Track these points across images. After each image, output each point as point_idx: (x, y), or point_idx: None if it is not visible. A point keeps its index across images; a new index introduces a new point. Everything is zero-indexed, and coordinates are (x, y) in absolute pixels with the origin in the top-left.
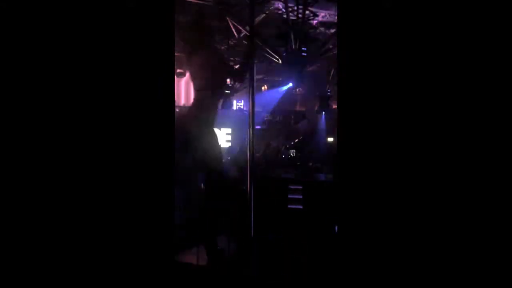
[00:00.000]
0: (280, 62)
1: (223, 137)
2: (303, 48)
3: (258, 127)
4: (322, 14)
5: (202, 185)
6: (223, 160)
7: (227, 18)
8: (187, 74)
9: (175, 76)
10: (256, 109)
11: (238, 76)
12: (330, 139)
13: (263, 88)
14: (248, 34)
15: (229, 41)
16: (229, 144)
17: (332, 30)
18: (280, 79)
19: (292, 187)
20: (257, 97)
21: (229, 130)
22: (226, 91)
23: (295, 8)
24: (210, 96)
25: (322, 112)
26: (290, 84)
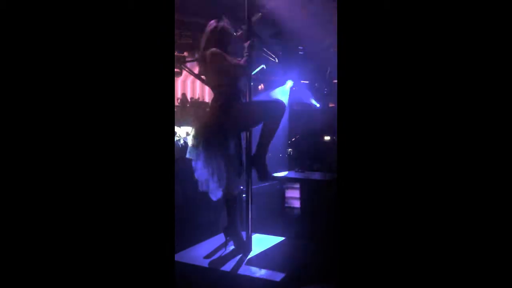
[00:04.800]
0: (277, 61)
1: None
2: (300, 47)
3: None
4: None
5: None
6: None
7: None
8: (183, 74)
9: None
10: None
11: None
12: (327, 138)
13: (259, 87)
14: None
15: None
16: None
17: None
18: (277, 78)
19: (289, 185)
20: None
21: None
22: None
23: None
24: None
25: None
26: (291, 83)
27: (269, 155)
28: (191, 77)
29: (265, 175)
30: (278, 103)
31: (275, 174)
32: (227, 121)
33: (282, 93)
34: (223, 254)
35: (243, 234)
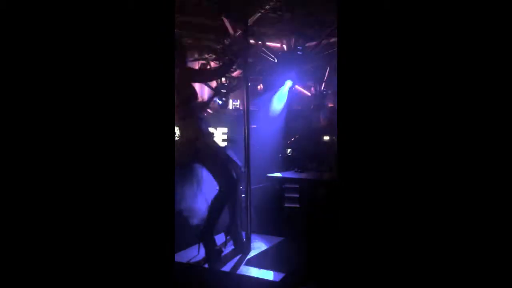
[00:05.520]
0: (276, 61)
1: (220, 136)
2: (298, 47)
3: (253, 126)
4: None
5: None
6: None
7: (222, 17)
8: None
9: None
10: (252, 108)
11: (214, 76)
12: (326, 138)
13: (258, 87)
14: (243, 33)
15: (225, 40)
16: (226, 143)
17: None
18: (276, 78)
19: (288, 185)
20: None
21: (225, 129)
22: (222, 90)
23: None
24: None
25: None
26: (290, 83)
27: (267, 154)
28: None
29: (211, 255)
30: (232, 178)
31: (274, 175)
32: (188, 157)
33: (281, 94)
34: (222, 254)
35: (243, 234)
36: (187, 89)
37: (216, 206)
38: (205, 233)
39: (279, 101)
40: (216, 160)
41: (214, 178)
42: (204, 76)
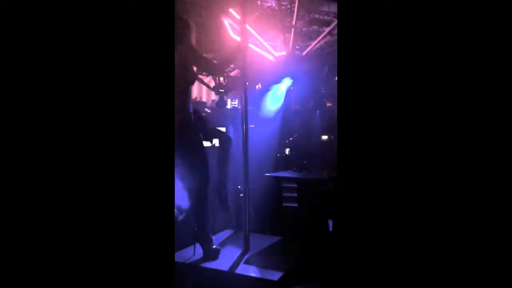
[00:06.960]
0: (274, 60)
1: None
2: (296, 46)
3: (252, 126)
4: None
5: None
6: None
7: (221, 16)
8: None
9: None
10: (250, 107)
11: (215, 70)
12: (324, 137)
13: (257, 86)
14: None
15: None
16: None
17: (327, 29)
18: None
19: (286, 185)
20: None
21: (223, 129)
22: (220, 90)
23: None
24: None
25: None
26: (289, 82)
27: (266, 154)
28: None
29: (209, 254)
30: (228, 137)
31: (273, 174)
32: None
33: (278, 92)
34: (191, 260)
35: (213, 239)
36: (189, 74)
37: (197, 204)
38: (198, 233)
39: (273, 101)
40: (200, 151)
41: (191, 170)
42: (209, 63)
